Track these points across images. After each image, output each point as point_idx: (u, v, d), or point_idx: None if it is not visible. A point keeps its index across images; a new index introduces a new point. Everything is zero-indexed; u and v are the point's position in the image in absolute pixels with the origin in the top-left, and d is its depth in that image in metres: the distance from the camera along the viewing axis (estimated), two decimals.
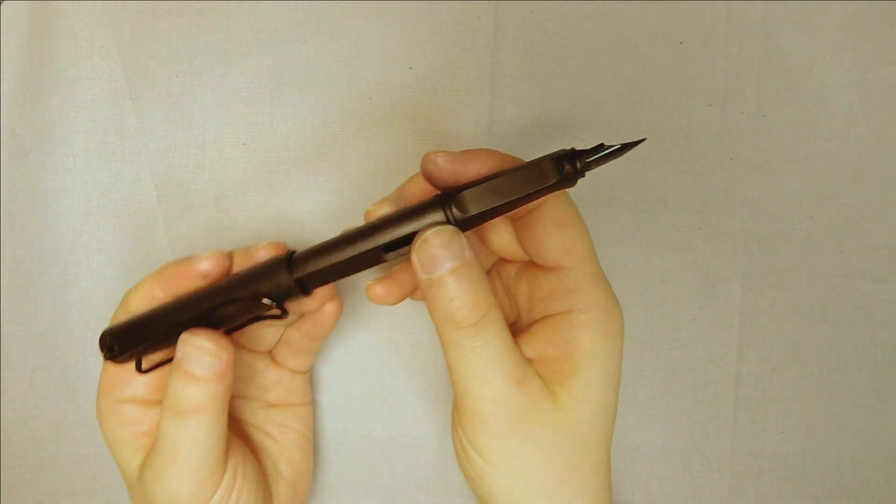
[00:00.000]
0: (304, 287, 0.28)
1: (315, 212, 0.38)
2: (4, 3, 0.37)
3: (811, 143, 0.36)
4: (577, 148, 0.25)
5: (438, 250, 0.25)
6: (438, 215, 0.26)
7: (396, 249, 0.26)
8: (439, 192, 0.27)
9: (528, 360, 0.27)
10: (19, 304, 0.38)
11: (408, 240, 0.26)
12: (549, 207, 0.27)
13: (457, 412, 0.28)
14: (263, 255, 0.29)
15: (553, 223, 0.27)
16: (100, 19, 0.37)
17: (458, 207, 0.26)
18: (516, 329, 0.29)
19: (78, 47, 0.37)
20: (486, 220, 0.26)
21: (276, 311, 0.28)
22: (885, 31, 0.35)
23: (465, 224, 0.26)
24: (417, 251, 0.25)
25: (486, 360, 0.25)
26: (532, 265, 0.29)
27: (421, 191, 0.29)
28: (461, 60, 0.37)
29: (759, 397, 0.37)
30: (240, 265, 0.30)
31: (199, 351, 0.27)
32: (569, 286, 0.27)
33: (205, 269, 0.29)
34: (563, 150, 0.26)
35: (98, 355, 0.39)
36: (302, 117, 0.38)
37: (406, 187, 0.30)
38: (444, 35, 0.37)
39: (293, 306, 0.30)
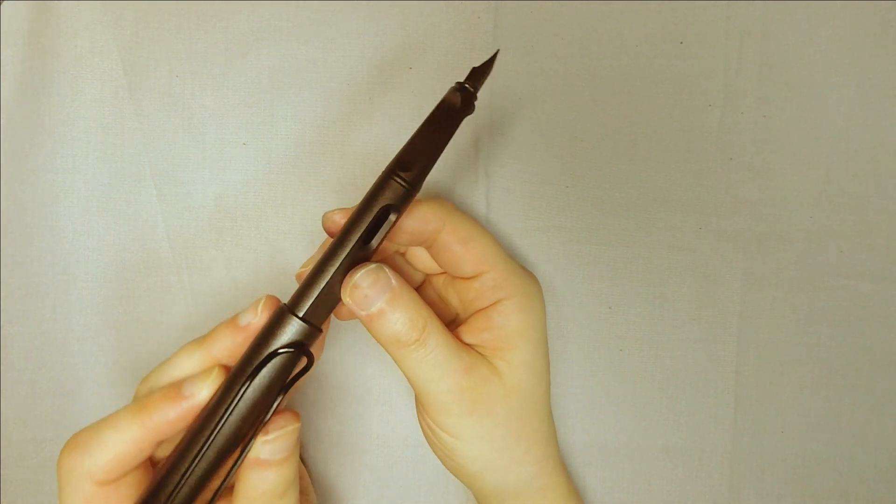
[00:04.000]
0: (314, 324, 0.27)
1: (315, 212, 0.38)
2: (4, 3, 0.37)
3: (811, 143, 0.36)
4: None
5: (369, 290, 0.27)
6: (395, 186, 0.28)
7: (375, 236, 0.28)
8: (385, 170, 0.28)
9: (470, 345, 0.31)
10: (19, 304, 0.38)
11: (381, 220, 0.28)
12: (449, 231, 0.30)
13: (420, 404, 0.31)
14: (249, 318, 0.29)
15: (458, 244, 0.31)
16: (100, 19, 0.37)
17: (403, 168, 0.28)
18: (457, 323, 0.34)
19: (78, 47, 0.37)
20: (430, 168, 0.28)
21: (303, 363, 0.28)
22: (884, 31, 0.35)
23: (418, 179, 0.28)
24: (350, 295, 0.27)
25: (435, 365, 0.29)
26: (455, 276, 0.32)
27: None
28: (461, 60, 0.37)
29: (759, 397, 0.37)
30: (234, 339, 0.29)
31: (278, 441, 0.27)
32: (489, 286, 0.31)
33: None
34: (451, 86, 0.29)
35: (98, 355, 0.39)
36: (302, 117, 0.38)
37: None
38: (444, 35, 0.37)
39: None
